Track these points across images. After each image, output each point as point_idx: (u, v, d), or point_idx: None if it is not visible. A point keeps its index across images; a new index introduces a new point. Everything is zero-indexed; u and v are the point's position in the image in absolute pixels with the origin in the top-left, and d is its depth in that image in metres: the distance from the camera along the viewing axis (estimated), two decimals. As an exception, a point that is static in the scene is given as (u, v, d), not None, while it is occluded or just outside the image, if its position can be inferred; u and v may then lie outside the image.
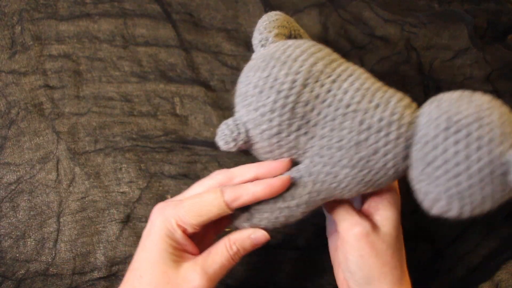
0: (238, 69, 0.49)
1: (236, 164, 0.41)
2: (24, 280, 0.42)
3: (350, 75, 0.31)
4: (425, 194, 0.29)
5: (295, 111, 0.30)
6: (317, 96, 0.30)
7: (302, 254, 0.44)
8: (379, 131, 0.29)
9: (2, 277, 0.42)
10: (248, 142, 0.32)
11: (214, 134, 0.46)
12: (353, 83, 0.30)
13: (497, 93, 0.48)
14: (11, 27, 0.49)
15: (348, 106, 0.30)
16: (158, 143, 0.46)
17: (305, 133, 0.30)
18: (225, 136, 0.32)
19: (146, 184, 0.45)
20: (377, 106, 0.30)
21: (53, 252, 0.43)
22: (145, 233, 0.33)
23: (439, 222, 0.43)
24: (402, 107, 0.30)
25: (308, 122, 0.30)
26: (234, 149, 0.32)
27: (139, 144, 0.46)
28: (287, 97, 0.29)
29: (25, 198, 0.44)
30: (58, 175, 0.45)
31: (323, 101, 0.30)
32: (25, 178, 0.45)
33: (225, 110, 0.48)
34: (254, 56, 0.34)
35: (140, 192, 0.45)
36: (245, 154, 0.44)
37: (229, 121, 0.32)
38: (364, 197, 0.36)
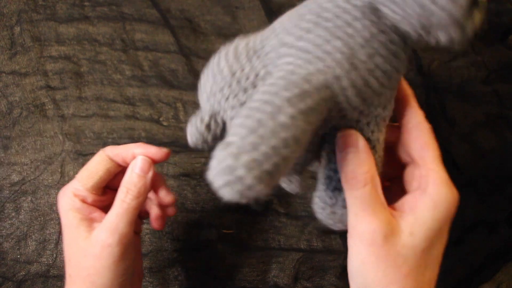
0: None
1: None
2: (24, 282, 0.42)
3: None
4: None
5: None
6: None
7: (304, 255, 0.44)
8: None
9: (2, 278, 0.42)
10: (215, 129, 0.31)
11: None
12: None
13: (497, 94, 0.49)
14: (10, 28, 0.49)
15: None
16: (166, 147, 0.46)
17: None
18: (192, 132, 0.31)
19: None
20: None
21: (54, 254, 0.43)
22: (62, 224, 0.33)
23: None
24: None
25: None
26: (202, 142, 0.31)
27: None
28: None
29: (28, 199, 0.44)
30: (62, 176, 0.45)
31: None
32: (29, 179, 0.45)
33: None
34: None
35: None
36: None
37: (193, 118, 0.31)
38: (402, 191, 0.27)
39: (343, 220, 0.27)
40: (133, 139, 0.46)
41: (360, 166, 0.24)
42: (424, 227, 0.24)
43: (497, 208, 0.44)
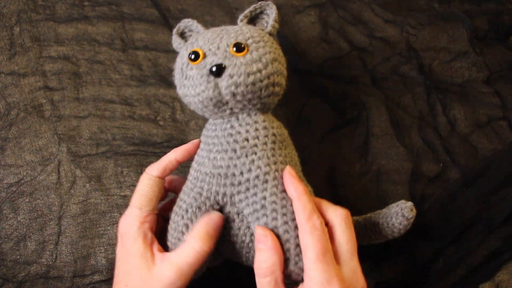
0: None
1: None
2: (24, 283, 0.42)
3: None
4: None
5: None
6: None
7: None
8: None
9: (2, 279, 0.42)
10: None
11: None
12: None
13: (498, 95, 0.49)
14: (9, 28, 0.49)
15: None
16: (160, 148, 0.46)
17: None
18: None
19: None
20: None
21: (54, 255, 0.43)
22: (118, 246, 0.35)
23: (440, 221, 0.44)
24: None
25: None
26: None
27: (141, 149, 0.46)
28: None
29: (26, 200, 0.44)
30: (59, 177, 0.45)
31: None
32: (26, 180, 0.45)
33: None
34: None
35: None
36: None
37: None
38: None
39: None
40: (127, 139, 0.46)
41: (264, 262, 0.30)
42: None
43: (497, 208, 0.44)
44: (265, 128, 0.34)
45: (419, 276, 0.43)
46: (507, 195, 0.44)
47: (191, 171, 0.35)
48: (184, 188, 0.35)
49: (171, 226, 0.34)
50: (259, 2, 0.37)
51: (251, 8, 0.37)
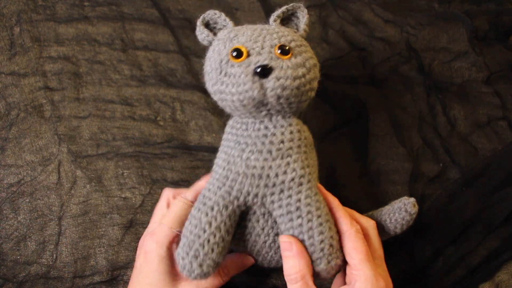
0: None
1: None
2: (25, 283, 0.42)
3: None
4: None
5: None
6: None
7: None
8: None
9: (2, 280, 0.42)
10: None
11: (216, 139, 0.46)
12: None
13: (498, 95, 0.49)
14: (9, 28, 0.49)
15: None
16: (160, 149, 0.46)
17: None
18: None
19: (148, 190, 0.45)
20: None
21: (54, 255, 0.43)
22: (140, 260, 0.35)
23: (440, 221, 0.44)
24: None
25: None
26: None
27: (141, 150, 0.46)
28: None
29: (26, 200, 0.44)
30: (59, 177, 0.45)
31: None
32: (26, 180, 0.45)
33: (226, 117, 0.48)
34: None
35: (143, 198, 0.45)
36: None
37: None
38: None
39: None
40: (127, 140, 0.46)
41: (293, 268, 0.31)
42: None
43: (497, 208, 0.44)
44: (298, 131, 0.34)
45: (419, 276, 0.43)
46: (506, 195, 0.44)
47: (218, 169, 0.35)
48: (209, 186, 0.34)
49: (190, 222, 0.33)
50: (291, 4, 0.37)
51: (283, 9, 0.37)
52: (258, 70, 0.31)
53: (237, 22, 0.38)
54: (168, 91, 0.48)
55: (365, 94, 0.48)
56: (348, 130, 0.47)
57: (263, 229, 0.34)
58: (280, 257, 0.35)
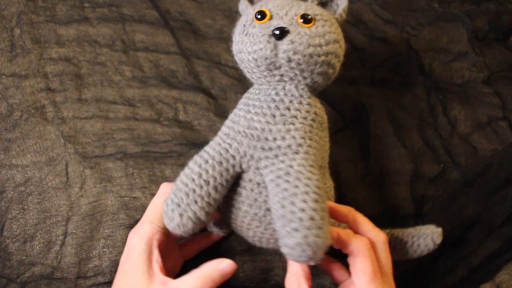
0: (239, 80, 0.49)
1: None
2: (28, 283, 0.42)
3: None
4: None
5: None
6: None
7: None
8: None
9: (7, 279, 0.42)
10: None
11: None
12: None
13: (498, 95, 0.49)
14: (10, 30, 0.48)
15: None
16: (168, 147, 0.46)
17: None
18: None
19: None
20: None
21: (59, 256, 0.43)
22: (124, 257, 0.35)
23: (441, 222, 0.44)
24: None
25: None
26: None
27: (149, 149, 0.46)
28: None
29: (34, 200, 0.44)
30: (68, 178, 0.45)
31: None
32: (33, 181, 0.45)
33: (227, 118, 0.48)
34: None
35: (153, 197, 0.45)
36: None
37: None
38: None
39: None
40: (134, 140, 0.46)
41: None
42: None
43: (498, 209, 0.44)
44: (309, 104, 0.34)
45: (419, 276, 0.43)
46: (507, 196, 0.44)
47: (223, 128, 0.35)
48: (211, 142, 0.35)
49: (184, 172, 0.33)
50: None
51: None
52: (276, 32, 0.32)
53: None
54: (170, 92, 0.48)
55: (365, 95, 0.48)
56: (349, 132, 0.47)
57: (255, 200, 0.33)
58: (271, 235, 0.34)
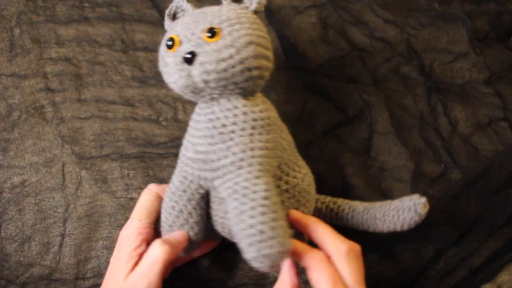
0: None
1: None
2: (27, 285, 0.42)
3: None
4: None
5: None
6: None
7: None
8: None
9: (5, 281, 0.42)
10: None
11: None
12: None
13: (499, 96, 0.49)
14: (9, 30, 0.48)
15: None
16: (165, 148, 0.46)
17: None
18: None
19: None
20: None
21: (58, 257, 0.43)
22: (114, 253, 0.37)
23: (442, 222, 0.44)
24: None
25: None
26: None
27: (146, 150, 0.46)
28: None
29: (31, 201, 0.44)
30: (64, 179, 0.45)
31: None
32: (30, 181, 0.45)
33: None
34: None
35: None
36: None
37: None
38: None
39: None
40: (131, 140, 0.46)
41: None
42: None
43: (499, 209, 0.44)
44: (244, 113, 0.33)
45: (420, 276, 0.43)
46: (508, 196, 0.44)
47: (180, 156, 0.36)
48: (175, 171, 0.36)
49: (163, 207, 0.37)
50: None
51: None
52: (186, 57, 0.31)
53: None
54: (169, 92, 0.48)
55: (366, 94, 0.48)
56: (351, 128, 0.47)
57: (219, 210, 0.35)
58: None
